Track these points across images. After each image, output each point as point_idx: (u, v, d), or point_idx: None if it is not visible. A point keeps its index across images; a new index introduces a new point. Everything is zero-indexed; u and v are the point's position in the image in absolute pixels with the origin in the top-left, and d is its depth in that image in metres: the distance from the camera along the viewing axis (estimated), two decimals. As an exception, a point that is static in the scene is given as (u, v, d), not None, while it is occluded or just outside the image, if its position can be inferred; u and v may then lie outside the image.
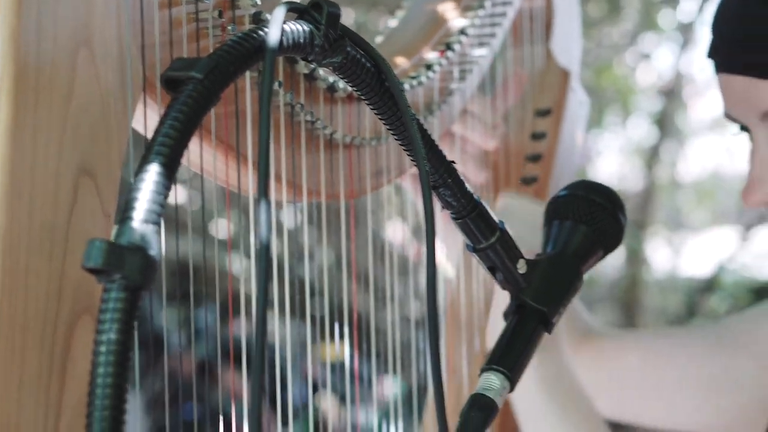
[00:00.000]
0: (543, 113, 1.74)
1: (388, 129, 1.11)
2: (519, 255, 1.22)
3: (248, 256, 1.11)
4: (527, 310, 1.23)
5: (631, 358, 1.76)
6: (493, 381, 1.18)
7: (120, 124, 1.02)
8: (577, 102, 1.77)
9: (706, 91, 7.54)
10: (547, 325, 1.23)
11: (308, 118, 1.24)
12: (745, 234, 7.41)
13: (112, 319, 0.86)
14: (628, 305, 7.21)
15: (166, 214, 0.90)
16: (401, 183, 1.58)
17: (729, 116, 1.50)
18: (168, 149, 0.91)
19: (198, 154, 1.14)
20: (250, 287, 0.94)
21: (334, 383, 1.41)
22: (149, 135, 1.05)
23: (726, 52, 1.48)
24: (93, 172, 0.99)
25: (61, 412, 0.94)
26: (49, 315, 0.94)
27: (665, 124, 7.26)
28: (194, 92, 0.94)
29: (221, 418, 0.86)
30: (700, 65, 7.33)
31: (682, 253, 8.08)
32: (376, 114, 1.11)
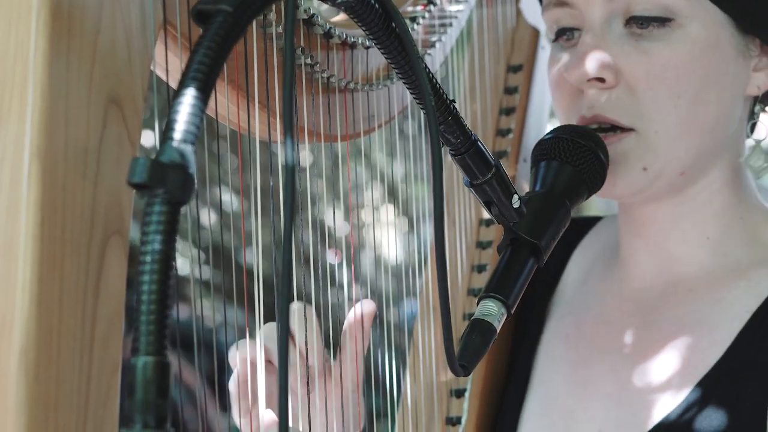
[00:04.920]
0: (515, 69, 1.81)
1: (394, 68, 1.17)
2: (513, 191, 1.29)
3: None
4: (520, 242, 1.30)
5: None
6: (491, 307, 1.25)
7: (142, 60, 1.06)
8: (547, 58, 1.84)
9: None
10: (539, 257, 1.30)
11: (308, 61, 1.29)
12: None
13: (156, 231, 0.91)
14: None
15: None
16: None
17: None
18: (203, 75, 0.96)
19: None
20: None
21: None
22: (171, 73, 1.11)
23: None
24: (120, 102, 1.03)
25: (96, 323, 0.98)
26: (84, 232, 0.98)
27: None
28: (225, 23, 0.99)
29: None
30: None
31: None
32: (383, 53, 1.16)
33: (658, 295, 1.51)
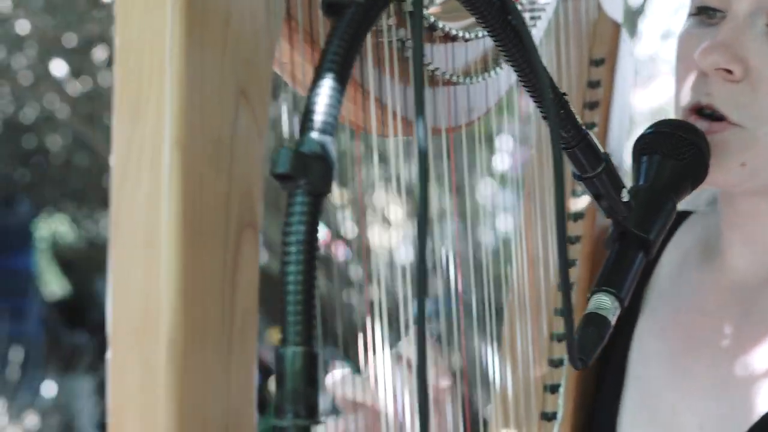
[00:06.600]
0: (597, 63, 1.80)
1: (509, 62, 1.17)
2: (622, 185, 1.29)
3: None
4: (629, 236, 1.30)
5: None
6: (604, 301, 1.26)
7: (268, 51, 1.06)
8: (628, 52, 1.84)
9: (651, 83, 7.58)
10: (648, 251, 1.30)
11: (416, 53, 1.29)
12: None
13: (300, 221, 0.92)
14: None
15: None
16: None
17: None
18: (339, 66, 0.97)
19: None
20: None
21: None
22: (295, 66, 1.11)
23: None
24: (248, 94, 1.03)
25: (234, 315, 0.98)
26: (220, 224, 0.98)
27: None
28: (357, 14, 1.00)
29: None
30: (648, 53, 7.35)
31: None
32: (498, 46, 1.17)
33: (756, 287, 1.50)
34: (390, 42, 1.26)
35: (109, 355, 0.97)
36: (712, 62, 1.42)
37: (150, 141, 0.97)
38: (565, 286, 1.11)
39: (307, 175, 0.92)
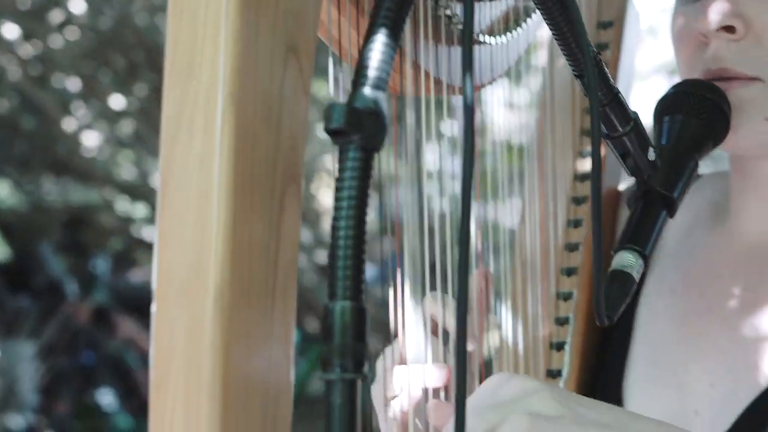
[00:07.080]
0: (605, 25, 1.81)
1: (544, 16, 1.18)
2: (649, 144, 1.30)
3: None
4: (654, 195, 1.31)
5: None
6: (627, 258, 1.28)
7: (315, 7, 1.06)
8: (635, 14, 1.85)
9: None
10: (671, 209, 1.32)
11: (447, 13, 1.29)
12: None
13: (352, 177, 0.92)
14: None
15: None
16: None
17: None
18: (391, 21, 0.97)
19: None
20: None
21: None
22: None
23: None
24: (297, 51, 1.03)
25: (277, 271, 0.98)
26: (267, 180, 0.98)
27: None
28: (409, -29, 0.99)
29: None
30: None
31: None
32: (538, 5, 1.17)
33: None
34: (424, 1, 1.26)
35: (154, 308, 0.98)
36: (714, 22, 1.42)
37: (204, 96, 0.96)
38: (597, 246, 1.12)
39: (361, 131, 0.92)
